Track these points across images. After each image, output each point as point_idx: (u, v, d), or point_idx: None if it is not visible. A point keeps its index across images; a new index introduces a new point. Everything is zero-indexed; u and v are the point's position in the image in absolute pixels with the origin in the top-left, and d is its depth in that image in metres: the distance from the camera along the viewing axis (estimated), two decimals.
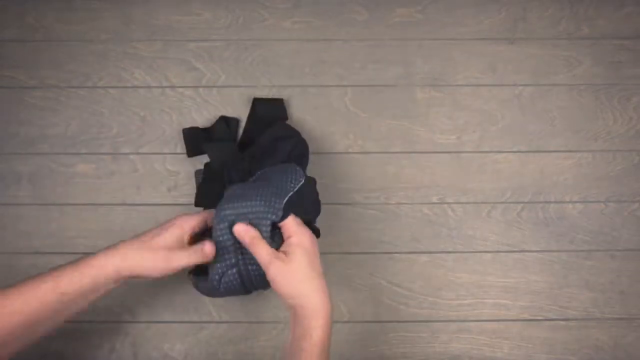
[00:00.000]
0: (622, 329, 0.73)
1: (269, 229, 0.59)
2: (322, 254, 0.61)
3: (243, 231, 0.57)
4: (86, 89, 0.78)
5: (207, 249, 0.58)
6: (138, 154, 0.77)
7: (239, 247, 0.59)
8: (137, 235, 0.58)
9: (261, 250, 0.57)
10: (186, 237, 0.59)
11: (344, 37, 0.81)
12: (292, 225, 0.59)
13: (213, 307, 0.72)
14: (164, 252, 0.56)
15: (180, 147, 0.77)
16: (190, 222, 0.60)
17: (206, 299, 0.72)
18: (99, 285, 0.54)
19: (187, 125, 0.77)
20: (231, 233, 0.59)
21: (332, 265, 0.73)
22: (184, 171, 0.76)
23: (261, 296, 0.72)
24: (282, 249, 0.58)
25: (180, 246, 0.58)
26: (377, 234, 0.75)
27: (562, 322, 0.73)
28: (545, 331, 0.72)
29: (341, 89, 0.79)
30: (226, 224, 0.59)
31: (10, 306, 0.50)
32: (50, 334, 0.55)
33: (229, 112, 0.78)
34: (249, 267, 0.59)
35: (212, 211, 0.61)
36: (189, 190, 0.75)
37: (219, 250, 0.59)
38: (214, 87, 0.79)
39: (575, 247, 0.75)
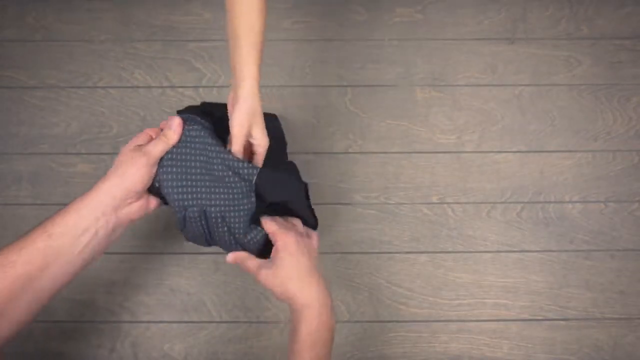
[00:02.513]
0: (622, 329, 0.73)
1: (247, 219, 0.58)
2: (322, 253, 0.61)
3: (233, 259, 0.59)
4: (86, 89, 0.78)
5: (174, 120, 0.56)
6: None
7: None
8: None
9: (249, 265, 0.58)
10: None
11: (344, 37, 0.81)
12: (274, 230, 0.58)
13: (213, 307, 0.72)
14: (136, 154, 0.54)
15: None
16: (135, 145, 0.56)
17: (206, 299, 0.72)
18: (85, 223, 0.52)
19: None
20: (200, 218, 0.58)
21: (332, 265, 0.73)
22: None
23: (261, 296, 0.72)
24: (271, 255, 0.58)
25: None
26: (377, 234, 0.75)
27: (562, 322, 0.73)
28: (545, 331, 0.72)
29: (341, 89, 0.79)
30: (196, 213, 0.57)
31: (9, 258, 0.49)
32: (51, 295, 0.53)
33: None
34: (213, 209, 0.57)
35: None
36: None
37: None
38: (214, 87, 0.79)
39: (575, 247, 0.75)
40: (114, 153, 0.76)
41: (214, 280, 0.73)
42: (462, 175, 0.77)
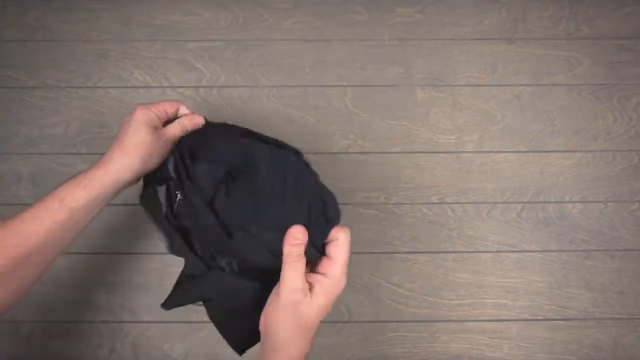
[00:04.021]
0: (622, 328, 0.73)
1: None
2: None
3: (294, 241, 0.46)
4: (86, 89, 0.78)
5: (199, 119, 0.57)
6: None
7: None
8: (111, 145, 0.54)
9: (297, 274, 0.45)
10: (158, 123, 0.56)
11: (344, 37, 0.81)
12: (343, 259, 0.48)
13: None
14: (155, 133, 0.53)
15: None
16: (151, 114, 0.55)
17: None
18: (102, 198, 0.53)
19: None
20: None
21: None
22: None
23: None
24: (309, 279, 0.47)
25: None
26: (377, 234, 0.75)
27: (562, 322, 0.73)
28: (545, 331, 0.72)
29: (341, 89, 0.79)
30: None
31: (28, 228, 0.50)
32: (56, 258, 0.54)
33: (229, 112, 0.78)
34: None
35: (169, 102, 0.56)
36: None
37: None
38: (214, 87, 0.79)
39: (575, 247, 0.75)
40: None
41: None
42: (462, 175, 0.77)
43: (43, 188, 0.75)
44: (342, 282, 0.48)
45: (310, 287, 0.46)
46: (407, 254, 0.74)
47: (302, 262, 0.45)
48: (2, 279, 0.48)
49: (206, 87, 0.79)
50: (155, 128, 0.54)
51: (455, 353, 0.72)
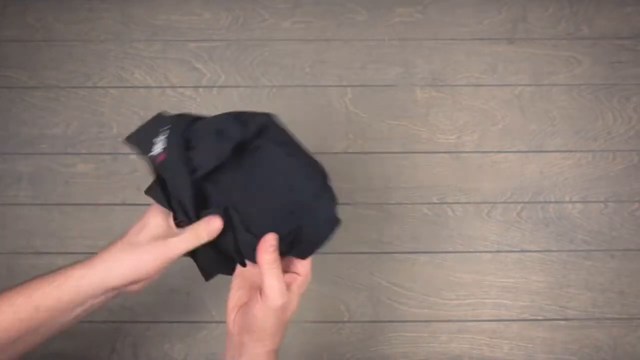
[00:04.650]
0: (622, 328, 0.73)
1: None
2: (322, 253, 0.60)
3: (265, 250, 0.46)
4: (86, 89, 0.78)
5: (214, 222, 0.46)
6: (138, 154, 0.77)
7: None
8: (114, 241, 0.48)
9: (278, 280, 0.46)
10: (172, 221, 0.48)
11: (344, 37, 0.81)
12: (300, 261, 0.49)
13: (213, 307, 0.72)
14: (158, 242, 0.46)
15: None
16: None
17: (206, 299, 0.72)
18: (81, 299, 0.46)
19: None
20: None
21: (332, 265, 0.73)
22: None
23: None
24: (287, 279, 0.48)
25: (171, 233, 0.47)
26: (377, 234, 0.75)
27: (562, 322, 0.73)
28: (545, 331, 0.72)
29: (341, 89, 0.79)
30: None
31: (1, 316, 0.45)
32: (34, 349, 0.50)
33: None
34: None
35: None
36: None
37: None
38: (214, 87, 0.79)
39: (575, 247, 0.75)
40: (114, 153, 0.76)
41: (214, 280, 0.73)
42: (462, 175, 0.77)
43: (43, 188, 0.75)
44: (309, 277, 0.51)
45: (288, 286, 0.48)
46: (407, 254, 0.74)
47: (279, 266, 0.46)
48: None
49: (206, 87, 0.79)
50: (171, 227, 0.48)
51: (455, 353, 0.72)
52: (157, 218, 0.49)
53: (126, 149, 0.76)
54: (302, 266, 0.50)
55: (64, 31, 0.80)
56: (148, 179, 0.79)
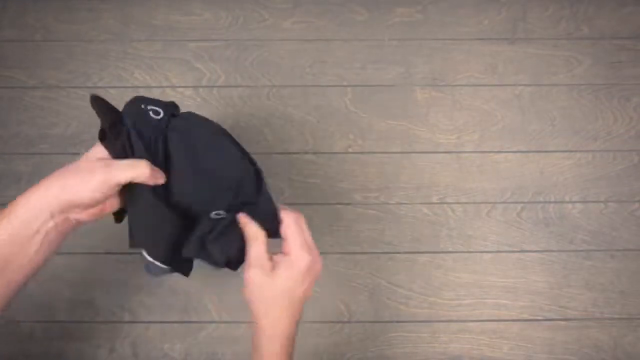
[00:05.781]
0: (622, 328, 0.73)
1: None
2: (322, 253, 0.60)
3: (246, 224, 0.50)
4: (86, 89, 0.78)
5: (156, 171, 0.49)
6: None
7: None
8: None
9: (256, 249, 0.50)
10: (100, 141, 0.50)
11: (344, 37, 0.81)
12: (295, 237, 0.51)
13: (213, 307, 0.72)
14: (101, 165, 0.47)
15: None
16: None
17: (206, 299, 0.72)
18: (32, 228, 0.47)
19: None
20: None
21: (332, 265, 0.73)
22: None
23: None
24: (276, 258, 0.51)
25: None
26: (377, 234, 0.75)
27: (562, 322, 0.73)
28: (545, 331, 0.72)
29: (341, 89, 0.79)
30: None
31: None
32: (6, 303, 0.49)
33: (229, 112, 0.78)
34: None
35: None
36: None
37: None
38: (214, 87, 0.79)
39: (575, 247, 0.75)
40: None
41: (214, 280, 0.73)
42: (462, 175, 0.77)
43: None
44: (304, 257, 0.51)
45: (273, 266, 0.50)
46: (407, 254, 0.74)
47: (261, 244, 0.50)
48: None
49: (206, 87, 0.79)
50: (99, 161, 0.49)
51: (455, 353, 0.72)
52: (98, 153, 0.50)
53: None
54: (288, 246, 0.51)
55: (64, 31, 0.80)
56: None
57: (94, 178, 0.47)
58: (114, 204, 0.53)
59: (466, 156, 0.77)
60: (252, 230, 0.50)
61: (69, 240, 0.74)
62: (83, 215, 0.50)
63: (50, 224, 0.48)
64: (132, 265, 0.73)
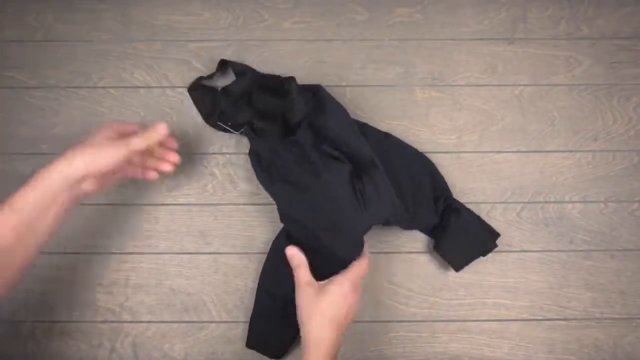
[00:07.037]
0: (622, 328, 0.73)
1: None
2: None
3: (291, 256, 0.62)
4: (86, 89, 0.79)
5: (162, 126, 0.60)
6: None
7: None
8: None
9: (300, 273, 0.61)
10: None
11: (344, 37, 0.81)
12: (352, 270, 0.62)
13: (213, 307, 0.72)
14: (118, 140, 0.58)
15: (180, 147, 0.77)
16: (109, 130, 0.60)
17: (206, 299, 0.72)
18: (52, 194, 0.53)
19: (186, 125, 0.77)
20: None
21: None
22: (184, 171, 0.76)
23: None
24: (324, 282, 0.61)
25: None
26: (377, 234, 0.75)
27: (562, 322, 0.73)
28: (545, 331, 0.73)
29: (341, 89, 0.79)
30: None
31: None
32: (27, 264, 0.55)
33: None
34: None
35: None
36: (189, 190, 0.75)
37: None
38: (214, 87, 0.79)
39: (574, 247, 0.75)
40: None
41: (214, 280, 0.73)
42: (462, 175, 0.77)
43: None
44: (344, 283, 0.60)
45: (320, 286, 0.60)
46: (407, 254, 0.75)
47: (305, 268, 0.62)
48: None
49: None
50: (110, 138, 0.58)
51: (455, 353, 0.72)
52: (107, 132, 0.59)
53: None
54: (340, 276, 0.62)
55: (64, 31, 0.80)
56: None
57: (113, 147, 0.55)
58: (116, 177, 0.64)
59: (466, 156, 0.77)
60: (296, 258, 0.61)
61: (69, 240, 0.74)
62: (92, 186, 0.57)
63: (66, 194, 0.54)
64: (132, 265, 0.73)
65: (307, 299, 0.58)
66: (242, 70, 0.75)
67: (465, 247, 0.71)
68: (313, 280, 0.60)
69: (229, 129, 0.71)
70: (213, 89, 0.75)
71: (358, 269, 0.62)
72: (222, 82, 0.77)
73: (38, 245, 0.55)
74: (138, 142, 0.58)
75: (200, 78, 0.76)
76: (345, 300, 0.59)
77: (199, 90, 0.75)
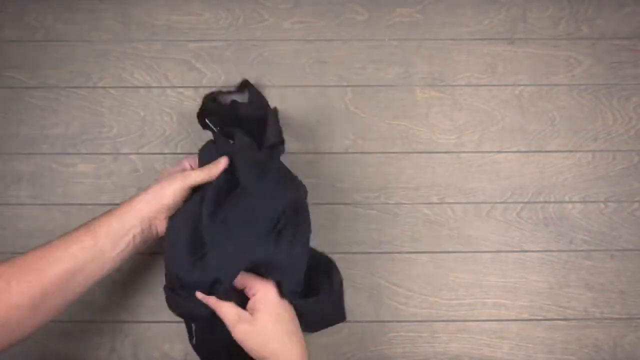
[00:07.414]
0: (622, 328, 0.73)
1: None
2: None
3: (202, 298, 0.57)
4: (86, 89, 0.79)
5: (222, 161, 0.61)
6: (138, 154, 0.77)
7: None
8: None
9: (226, 311, 0.56)
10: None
11: (344, 37, 0.81)
12: (253, 280, 0.58)
13: None
14: (177, 172, 0.62)
15: (181, 147, 0.77)
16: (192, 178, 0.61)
17: None
18: (125, 227, 0.57)
19: (187, 126, 0.77)
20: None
21: None
22: None
23: None
24: (248, 306, 0.57)
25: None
26: (377, 234, 0.75)
27: (562, 322, 0.73)
28: (545, 331, 0.73)
29: (341, 89, 0.79)
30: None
31: (54, 254, 0.53)
32: (81, 292, 0.56)
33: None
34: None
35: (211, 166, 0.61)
36: None
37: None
38: (214, 87, 0.79)
39: (575, 247, 0.75)
40: (114, 153, 0.76)
41: None
42: (462, 175, 0.77)
43: (43, 188, 0.76)
44: (267, 287, 0.58)
45: (250, 312, 0.57)
46: (407, 254, 0.75)
47: (225, 303, 0.57)
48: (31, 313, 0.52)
49: (206, 87, 0.79)
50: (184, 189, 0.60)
51: (455, 353, 0.72)
52: (172, 170, 0.65)
53: (126, 149, 0.76)
54: (250, 287, 0.59)
55: (64, 31, 0.80)
56: (148, 179, 0.79)
57: (174, 182, 0.59)
58: None
59: (466, 156, 0.77)
60: (212, 302, 0.57)
61: None
62: (160, 223, 0.60)
63: (138, 229, 0.57)
64: (132, 265, 0.73)
65: (249, 335, 0.55)
66: (256, 100, 0.73)
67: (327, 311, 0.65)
68: (240, 312, 0.56)
69: (213, 128, 0.70)
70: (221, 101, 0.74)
71: (256, 281, 0.58)
72: (234, 97, 0.75)
73: (102, 272, 0.57)
74: (198, 175, 0.60)
75: (219, 92, 0.74)
76: (279, 303, 0.57)
77: (215, 102, 0.73)
